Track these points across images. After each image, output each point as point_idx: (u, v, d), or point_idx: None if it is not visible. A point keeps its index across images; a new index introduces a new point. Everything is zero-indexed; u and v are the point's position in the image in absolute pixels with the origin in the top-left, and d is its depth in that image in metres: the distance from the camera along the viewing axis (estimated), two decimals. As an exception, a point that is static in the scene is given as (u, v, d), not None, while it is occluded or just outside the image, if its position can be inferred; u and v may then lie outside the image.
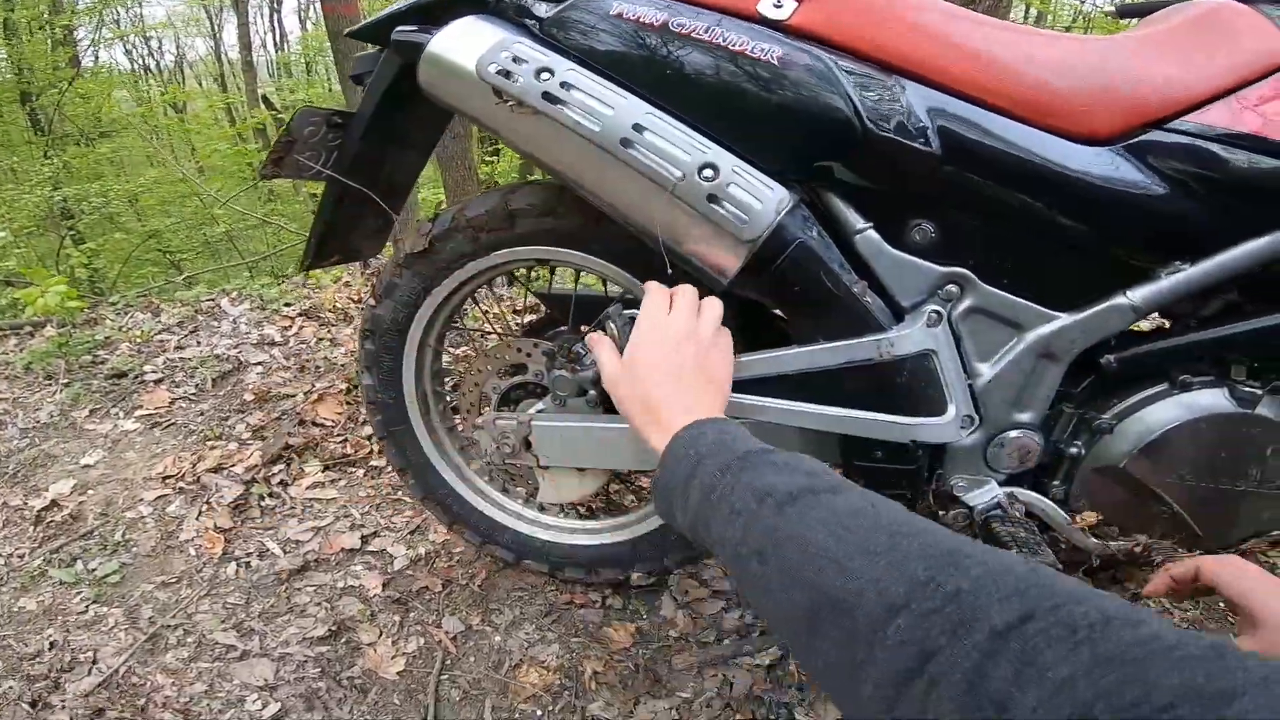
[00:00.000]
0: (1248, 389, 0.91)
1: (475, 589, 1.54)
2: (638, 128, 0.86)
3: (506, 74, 0.88)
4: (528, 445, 1.17)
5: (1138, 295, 0.89)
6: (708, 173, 0.85)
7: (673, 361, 0.78)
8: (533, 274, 1.35)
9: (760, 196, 0.85)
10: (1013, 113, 0.86)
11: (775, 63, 0.84)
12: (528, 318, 1.59)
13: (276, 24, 24.27)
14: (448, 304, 1.26)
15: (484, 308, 1.73)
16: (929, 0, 0.90)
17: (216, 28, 19.61)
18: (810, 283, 0.89)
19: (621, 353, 0.84)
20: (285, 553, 1.58)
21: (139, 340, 2.54)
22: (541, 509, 1.49)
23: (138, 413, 2.10)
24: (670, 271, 0.90)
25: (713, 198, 0.85)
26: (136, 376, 2.29)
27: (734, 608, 1.50)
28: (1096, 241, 0.88)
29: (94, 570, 1.58)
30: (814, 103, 0.84)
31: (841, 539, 0.50)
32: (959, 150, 0.86)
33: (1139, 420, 0.94)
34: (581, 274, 1.33)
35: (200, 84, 20.88)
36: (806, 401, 0.96)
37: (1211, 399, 0.92)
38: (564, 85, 0.87)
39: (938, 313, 0.92)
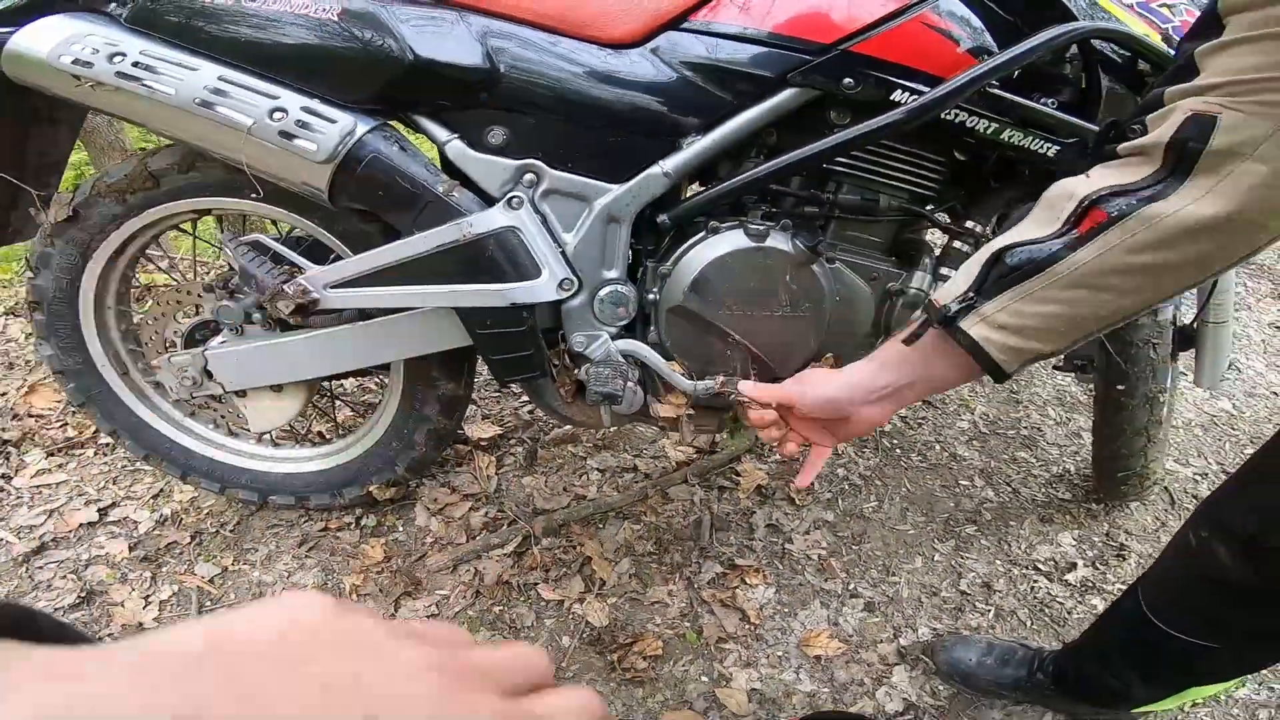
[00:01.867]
0: (756, 226, 1.14)
1: (227, 534, 1.61)
2: (211, 89, 1.03)
3: (80, 61, 1.02)
4: (210, 376, 1.26)
5: (668, 164, 1.10)
6: (278, 115, 1.03)
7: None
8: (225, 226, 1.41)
9: (325, 128, 1.03)
10: (556, 29, 1.06)
11: (335, 19, 1.01)
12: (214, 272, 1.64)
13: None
14: (115, 265, 1.30)
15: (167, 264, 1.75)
16: None
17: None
18: (391, 188, 1.07)
19: None
20: (19, 539, 1.56)
21: None
22: (275, 444, 1.57)
23: None
24: (260, 194, 1.10)
25: (285, 134, 1.03)
26: None
27: (481, 506, 1.67)
28: (631, 126, 1.09)
29: None
30: (369, 45, 1.01)
31: None
32: (511, 65, 1.05)
33: (687, 262, 1.17)
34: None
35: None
36: (419, 285, 1.12)
37: (733, 237, 1.15)
38: (137, 64, 1.02)
39: (519, 197, 1.11)
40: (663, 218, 1.15)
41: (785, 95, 1.07)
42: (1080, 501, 1.81)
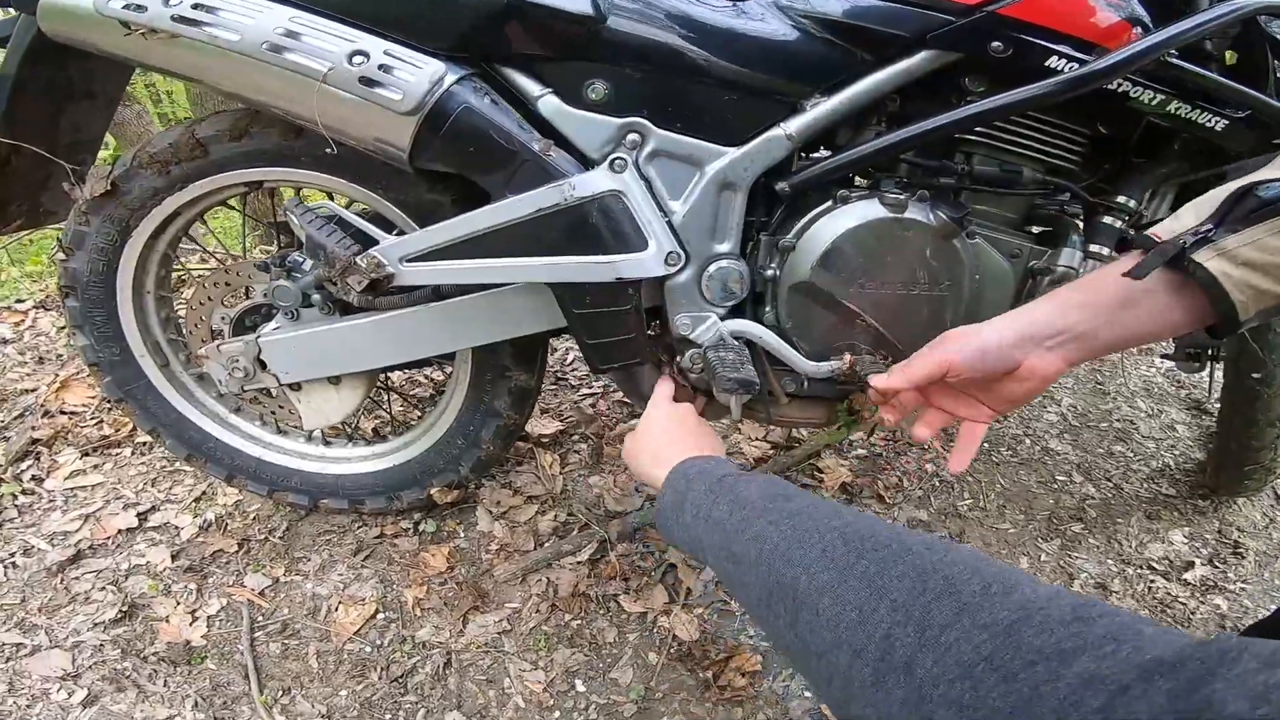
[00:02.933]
0: (894, 195, 1.00)
1: (276, 542, 1.43)
2: (283, 32, 0.87)
3: (132, 5, 0.87)
4: (264, 366, 1.08)
5: (791, 126, 0.95)
6: (358, 59, 0.87)
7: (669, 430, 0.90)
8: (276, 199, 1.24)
9: (413, 74, 0.87)
10: None
11: None
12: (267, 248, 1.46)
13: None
14: (156, 246, 1.13)
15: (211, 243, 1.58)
16: None
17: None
18: (485, 144, 0.90)
19: None
20: (54, 546, 1.39)
21: None
22: (326, 443, 1.40)
23: None
24: (334, 150, 0.93)
25: (366, 80, 0.87)
26: None
27: (549, 509, 1.50)
28: (749, 84, 0.93)
29: None
30: None
31: (786, 535, 0.56)
32: (618, 10, 0.90)
33: (814, 235, 1.01)
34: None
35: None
36: (511, 256, 0.96)
37: (866, 208, 1.00)
38: (197, 5, 0.87)
39: (622, 160, 0.94)
40: (782, 185, 0.99)
41: (921, 58, 0.93)
42: (1185, 497, 1.64)
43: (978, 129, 1.00)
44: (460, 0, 0.86)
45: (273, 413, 1.25)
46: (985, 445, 1.70)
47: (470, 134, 0.89)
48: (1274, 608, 1.40)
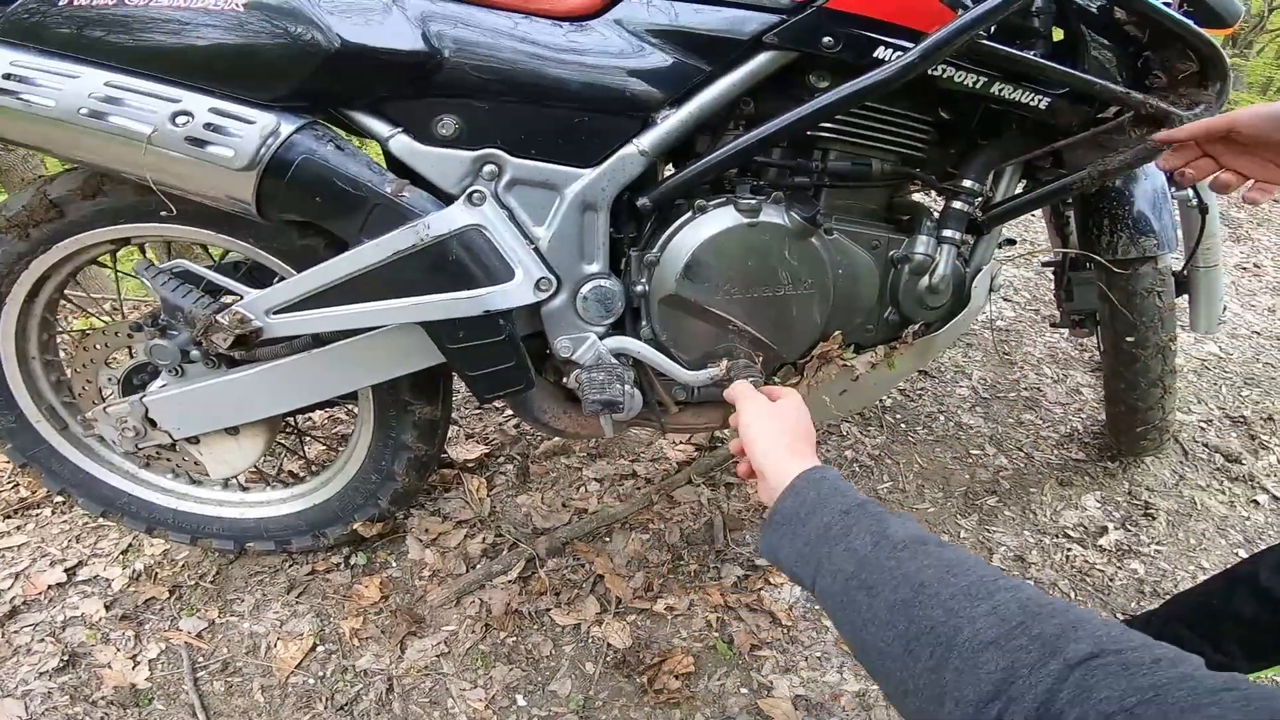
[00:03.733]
0: (748, 201, 0.99)
1: (208, 586, 1.40)
2: (101, 97, 0.83)
3: None
4: (153, 424, 1.05)
5: (644, 141, 0.94)
6: (182, 119, 0.84)
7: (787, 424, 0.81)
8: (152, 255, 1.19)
9: (243, 130, 0.84)
10: (505, 5, 0.90)
11: (239, 9, 0.82)
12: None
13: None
14: (32, 309, 1.09)
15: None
16: None
17: None
18: (331, 192, 0.87)
19: None
20: (-12, 606, 1.35)
21: None
22: (244, 488, 1.36)
23: None
24: (174, 212, 0.90)
25: (193, 140, 0.83)
26: None
27: (478, 532, 1.48)
28: (598, 104, 0.92)
29: None
30: (284, 34, 0.82)
31: (947, 583, 0.54)
32: (456, 47, 0.87)
33: (675, 247, 1.00)
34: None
35: None
36: (377, 300, 0.93)
37: (722, 215, 0.99)
38: (9, 76, 0.83)
39: (480, 192, 0.92)
40: (643, 200, 0.98)
41: (761, 59, 0.93)
42: (1095, 461, 1.66)
43: (829, 125, 1.00)
44: (287, 52, 0.82)
45: (180, 465, 1.22)
46: (901, 425, 1.71)
47: (314, 183, 0.86)
48: (1192, 570, 1.43)
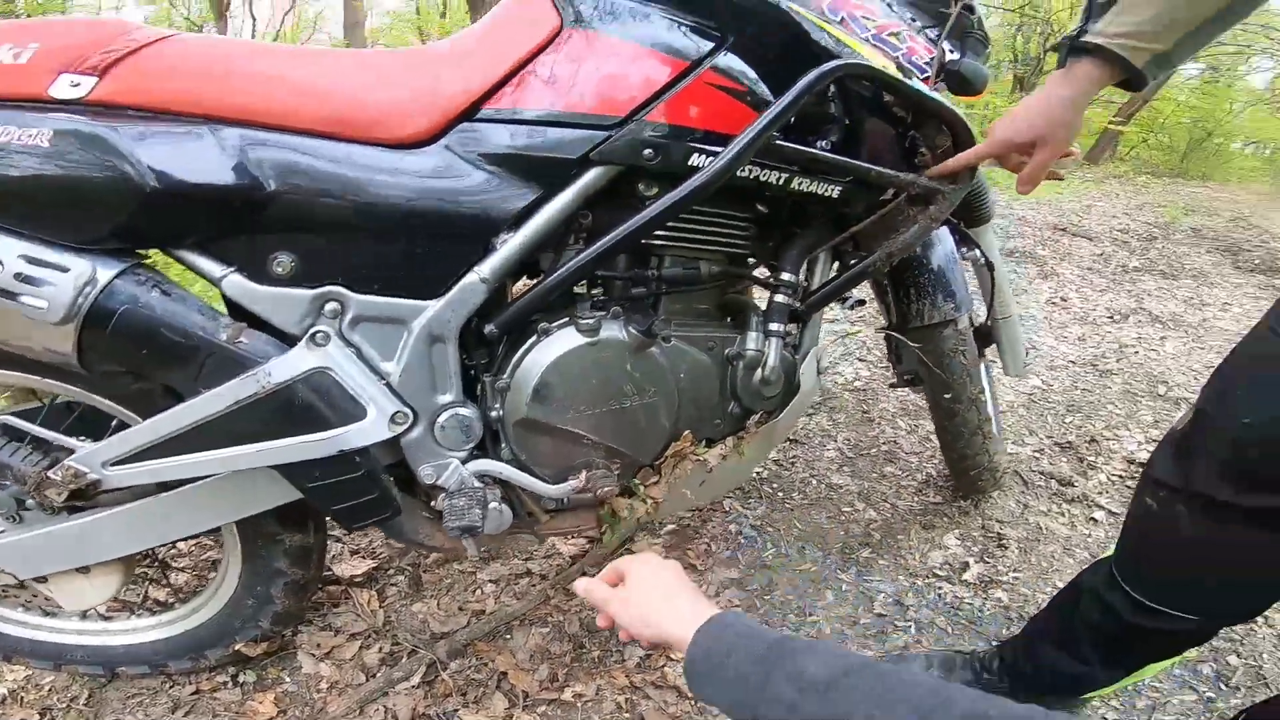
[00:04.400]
0: (587, 321, 1.00)
1: (81, 708, 1.25)
2: None
3: None
4: (-9, 569, 0.95)
5: (484, 269, 0.93)
6: None
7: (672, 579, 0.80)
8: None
9: (57, 279, 0.76)
10: (336, 135, 0.86)
11: (45, 145, 0.75)
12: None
13: None
14: None
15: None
16: (236, 47, 0.88)
17: None
18: (159, 342, 0.81)
19: None
20: None
21: None
22: (105, 618, 1.25)
23: None
24: None
25: (3, 292, 0.76)
26: None
27: (373, 642, 1.40)
28: (436, 233, 0.90)
29: None
30: (94, 172, 0.76)
31: (885, 711, 0.54)
32: (283, 181, 0.83)
33: (523, 372, 1.00)
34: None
35: None
36: (223, 448, 0.89)
37: (563, 337, 1.00)
38: None
39: (324, 332, 0.89)
40: (489, 328, 0.98)
41: (591, 176, 0.94)
42: (950, 502, 1.77)
43: (659, 235, 1.02)
44: (98, 191, 0.76)
45: (29, 601, 1.11)
46: (779, 494, 1.77)
47: (140, 334, 0.80)
48: (1049, 591, 1.52)
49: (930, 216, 1.09)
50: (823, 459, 1.89)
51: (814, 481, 1.81)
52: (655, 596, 0.78)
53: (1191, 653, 1.29)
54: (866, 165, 1.02)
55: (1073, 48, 0.90)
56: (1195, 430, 0.88)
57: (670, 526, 1.68)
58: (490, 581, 1.55)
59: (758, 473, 1.78)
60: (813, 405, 2.12)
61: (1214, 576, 0.91)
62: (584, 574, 1.52)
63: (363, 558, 1.60)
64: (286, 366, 0.86)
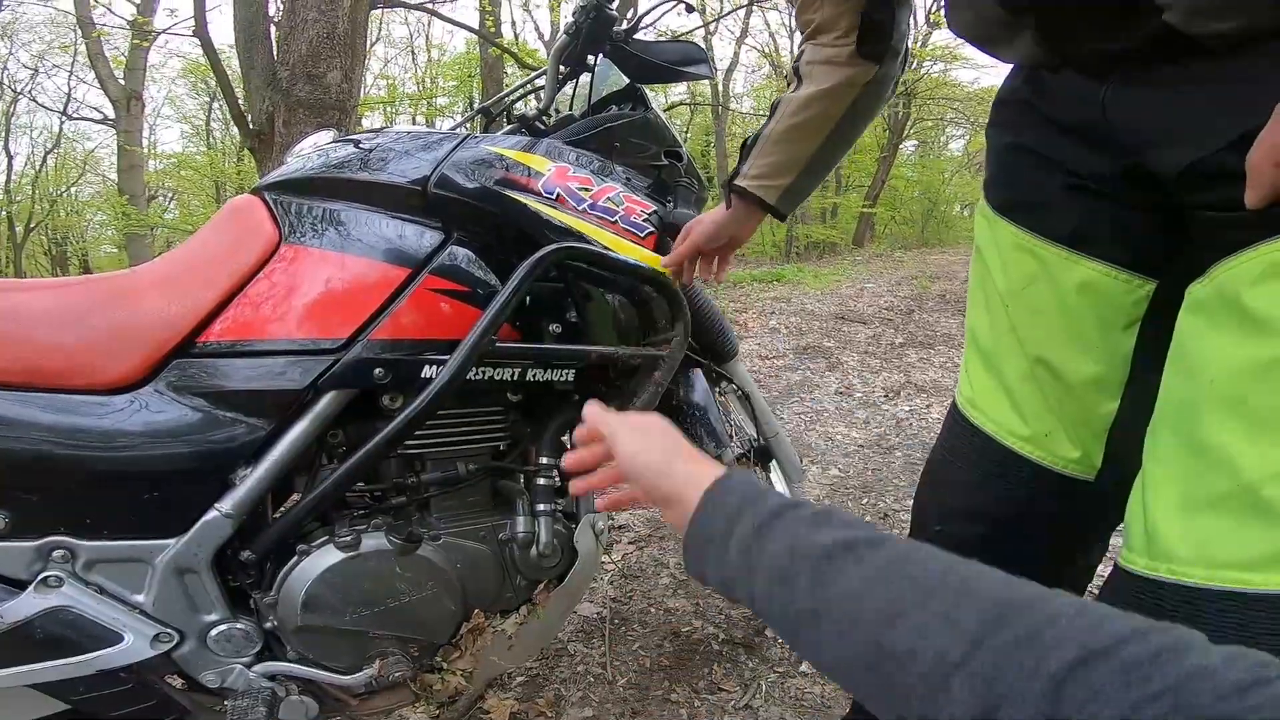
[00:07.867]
0: (344, 538, 0.93)
1: None
2: None
3: None
4: None
5: (226, 504, 0.86)
6: None
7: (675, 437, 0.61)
8: None
9: None
10: (29, 385, 0.78)
11: None
12: None
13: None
14: None
15: None
16: None
17: None
18: None
19: None
20: None
21: None
22: None
23: None
24: None
25: None
26: None
27: None
28: (161, 477, 0.83)
29: None
30: None
31: (888, 595, 0.40)
32: None
33: (289, 589, 0.94)
34: None
35: None
36: None
37: (323, 556, 0.93)
38: None
39: (56, 576, 0.82)
40: (246, 554, 0.90)
41: (325, 401, 0.87)
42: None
43: (413, 441, 0.93)
44: None
45: None
46: (621, 629, 1.70)
47: None
48: None
49: (656, 381, 1.05)
50: (658, 587, 1.86)
51: (652, 610, 1.77)
52: (671, 441, 0.60)
53: None
54: (585, 348, 0.99)
55: (729, 189, 1.02)
56: (914, 527, 0.98)
57: (520, 677, 1.56)
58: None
59: (597, 613, 1.71)
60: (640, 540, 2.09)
61: None
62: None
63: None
64: (19, 609, 0.79)
